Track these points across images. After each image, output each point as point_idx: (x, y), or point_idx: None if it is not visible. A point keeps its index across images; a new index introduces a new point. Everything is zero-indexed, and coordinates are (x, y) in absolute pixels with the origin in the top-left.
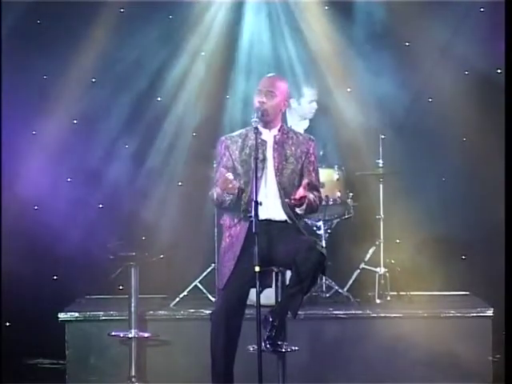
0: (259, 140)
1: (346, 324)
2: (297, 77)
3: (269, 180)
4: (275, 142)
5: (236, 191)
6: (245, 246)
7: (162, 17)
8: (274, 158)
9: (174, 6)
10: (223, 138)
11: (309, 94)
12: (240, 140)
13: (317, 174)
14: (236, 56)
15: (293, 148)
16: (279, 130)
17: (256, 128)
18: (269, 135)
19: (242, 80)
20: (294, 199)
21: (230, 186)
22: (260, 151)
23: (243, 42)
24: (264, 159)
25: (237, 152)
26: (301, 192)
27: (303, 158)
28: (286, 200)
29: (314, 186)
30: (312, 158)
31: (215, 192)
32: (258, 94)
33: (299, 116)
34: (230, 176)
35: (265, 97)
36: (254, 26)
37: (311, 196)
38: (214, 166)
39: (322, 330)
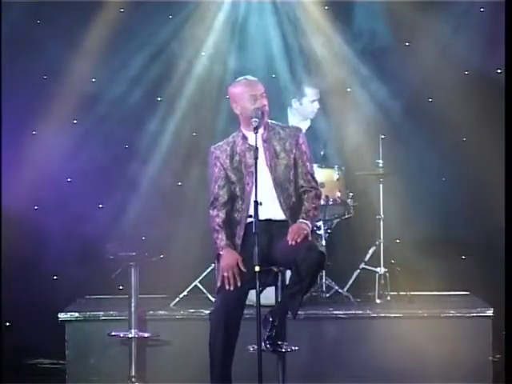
0: (247, 145)
1: (345, 324)
2: (298, 76)
3: (264, 179)
4: (263, 141)
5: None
6: (240, 247)
7: (162, 17)
8: (265, 156)
9: (173, 5)
10: (212, 148)
11: (311, 93)
12: (228, 148)
13: (310, 163)
14: (236, 56)
15: (281, 142)
16: (265, 129)
17: (256, 128)
18: (255, 137)
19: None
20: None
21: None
22: (249, 155)
23: (243, 41)
24: (255, 159)
25: (227, 161)
26: (296, 235)
27: (294, 151)
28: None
29: (309, 177)
30: (303, 148)
31: (213, 232)
32: (254, 98)
33: (301, 116)
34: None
35: (263, 99)
36: (254, 26)
37: (306, 205)
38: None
39: (322, 330)
